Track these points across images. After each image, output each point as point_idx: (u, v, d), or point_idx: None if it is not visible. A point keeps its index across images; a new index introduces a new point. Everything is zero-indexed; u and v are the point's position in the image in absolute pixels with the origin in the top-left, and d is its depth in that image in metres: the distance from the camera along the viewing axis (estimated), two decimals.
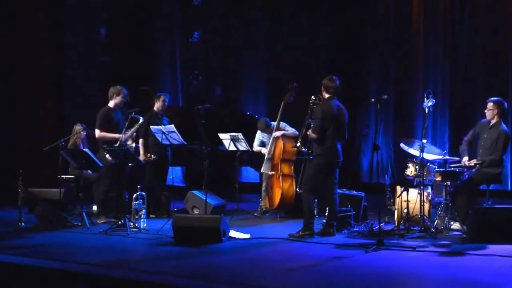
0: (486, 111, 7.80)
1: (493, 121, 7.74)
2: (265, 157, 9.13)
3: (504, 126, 7.72)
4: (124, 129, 8.33)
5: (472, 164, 7.68)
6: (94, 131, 8.56)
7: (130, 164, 8.34)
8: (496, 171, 7.63)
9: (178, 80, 13.04)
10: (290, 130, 9.09)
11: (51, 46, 11.59)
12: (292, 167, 8.93)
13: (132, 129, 8.41)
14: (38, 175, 10.20)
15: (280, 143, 8.91)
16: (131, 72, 11.98)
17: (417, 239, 7.11)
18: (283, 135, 8.96)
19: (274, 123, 9.17)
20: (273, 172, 8.95)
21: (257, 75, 12.72)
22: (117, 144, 8.17)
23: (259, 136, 9.51)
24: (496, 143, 7.60)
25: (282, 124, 9.17)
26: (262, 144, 9.43)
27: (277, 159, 8.92)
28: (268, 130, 9.29)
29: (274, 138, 9.03)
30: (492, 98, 7.81)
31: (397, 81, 11.32)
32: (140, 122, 8.39)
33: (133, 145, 8.66)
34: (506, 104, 7.81)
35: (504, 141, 7.61)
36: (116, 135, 8.36)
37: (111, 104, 8.58)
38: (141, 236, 7.44)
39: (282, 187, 8.78)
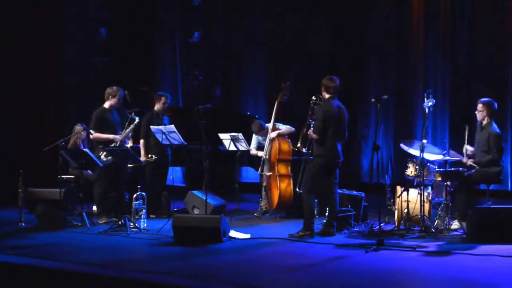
0: (476, 112, 7.80)
1: (484, 122, 7.75)
2: (262, 158, 9.14)
3: (494, 127, 7.68)
4: (124, 130, 8.34)
5: (469, 164, 7.67)
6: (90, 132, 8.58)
7: (130, 166, 8.35)
8: (494, 171, 7.62)
9: (178, 80, 13.04)
10: (284, 128, 9.08)
11: (51, 46, 11.58)
12: (289, 167, 8.92)
13: (128, 129, 8.40)
14: (38, 175, 10.19)
15: (276, 144, 8.91)
16: (131, 72, 11.97)
17: (417, 239, 7.11)
18: (278, 135, 8.95)
19: (268, 125, 9.15)
20: (271, 173, 8.95)
21: (257, 75, 12.73)
22: (113, 144, 8.20)
23: (255, 138, 9.51)
24: (488, 144, 7.60)
25: (276, 124, 9.15)
26: (260, 146, 9.42)
27: (273, 160, 8.92)
28: (262, 132, 9.26)
29: (270, 139, 9.03)
30: (482, 99, 7.79)
31: (397, 81, 11.32)
32: (135, 122, 8.37)
33: (129, 145, 8.63)
34: (496, 104, 7.77)
35: (495, 141, 7.59)
36: (111, 136, 8.39)
37: (106, 104, 8.59)
38: (141, 236, 7.44)
39: (280, 187, 8.78)
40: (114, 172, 8.28)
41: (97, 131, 8.46)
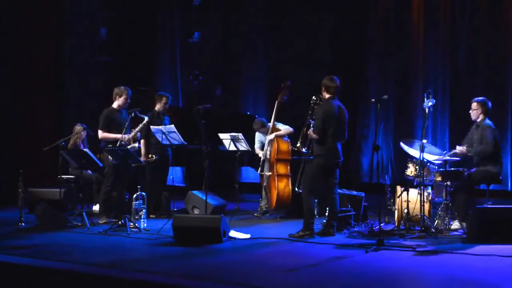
0: (470, 111, 7.82)
1: (478, 120, 7.79)
2: (262, 159, 9.15)
3: (487, 121, 7.73)
4: (125, 129, 8.32)
5: (464, 150, 7.68)
6: (95, 132, 8.56)
7: (133, 165, 8.34)
8: (495, 170, 7.63)
9: (178, 80, 13.04)
10: (283, 129, 9.09)
11: (51, 46, 11.59)
12: (288, 167, 8.92)
13: (136, 129, 8.39)
14: (38, 175, 10.20)
15: (275, 144, 8.92)
16: (131, 72, 11.98)
17: (417, 239, 7.10)
18: (276, 136, 8.96)
19: (269, 124, 9.15)
20: (271, 173, 8.96)
21: (257, 75, 12.73)
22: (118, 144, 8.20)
23: (258, 137, 9.51)
24: (484, 138, 7.62)
25: (277, 124, 9.15)
26: (262, 146, 9.42)
27: (272, 160, 8.93)
28: (264, 129, 9.27)
29: (269, 141, 9.03)
30: (476, 98, 7.85)
31: (397, 81, 11.32)
32: (144, 121, 8.36)
33: (136, 145, 8.64)
34: (490, 103, 7.82)
35: (490, 133, 7.62)
36: (119, 136, 8.36)
37: (114, 105, 8.57)
38: (141, 236, 7.44)
39: (278, 187, 8.78)
40: (121, 171, 8.24)
41: (105, 131, 8.44)
